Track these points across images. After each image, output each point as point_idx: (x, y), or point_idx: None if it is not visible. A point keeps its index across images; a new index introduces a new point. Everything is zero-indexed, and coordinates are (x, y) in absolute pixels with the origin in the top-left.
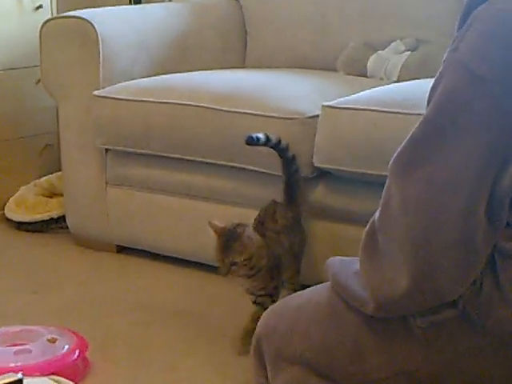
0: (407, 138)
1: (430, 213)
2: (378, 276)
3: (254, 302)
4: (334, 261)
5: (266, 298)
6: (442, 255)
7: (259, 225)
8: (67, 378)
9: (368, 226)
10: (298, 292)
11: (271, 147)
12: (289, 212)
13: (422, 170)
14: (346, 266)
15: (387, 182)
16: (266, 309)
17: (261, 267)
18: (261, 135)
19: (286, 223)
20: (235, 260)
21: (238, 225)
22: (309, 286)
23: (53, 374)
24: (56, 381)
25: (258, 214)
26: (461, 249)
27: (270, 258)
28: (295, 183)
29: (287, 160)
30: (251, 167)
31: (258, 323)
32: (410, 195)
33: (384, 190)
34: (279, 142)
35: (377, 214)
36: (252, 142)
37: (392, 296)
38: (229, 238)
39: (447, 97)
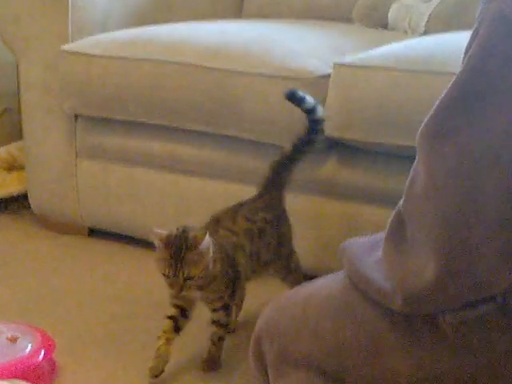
0: (436, 103)
1: (466, 191)
2: (405, 267)
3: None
4: (351, 245)
5: (221, 311)
6: (482, 241)
7: (213, 222)
8: (31, 383)
9: (393, 213)
10: (305, 283)
11: (305, 111)
12: (261, 212)
13: (453, 141)
14: (365, 252)
15: (416, 158)
16: (223, 325)
17: (216, 274)
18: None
19: (250, 227)
20: (191, 274)
21: (185, 228)
22: (316, 277)
23: (14, 377)
24: None
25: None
26: (505, 233)
27: (223, 261)
28: (294, 161)
29: (313, 130)
30: (246, 136)
31: (259, 319)
32: (440, 171)
33: (412, 169)
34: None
35: (403, 196)
36: (293, 98)
37: (421, 289)
38: (180, 247)
39: (484, 52)
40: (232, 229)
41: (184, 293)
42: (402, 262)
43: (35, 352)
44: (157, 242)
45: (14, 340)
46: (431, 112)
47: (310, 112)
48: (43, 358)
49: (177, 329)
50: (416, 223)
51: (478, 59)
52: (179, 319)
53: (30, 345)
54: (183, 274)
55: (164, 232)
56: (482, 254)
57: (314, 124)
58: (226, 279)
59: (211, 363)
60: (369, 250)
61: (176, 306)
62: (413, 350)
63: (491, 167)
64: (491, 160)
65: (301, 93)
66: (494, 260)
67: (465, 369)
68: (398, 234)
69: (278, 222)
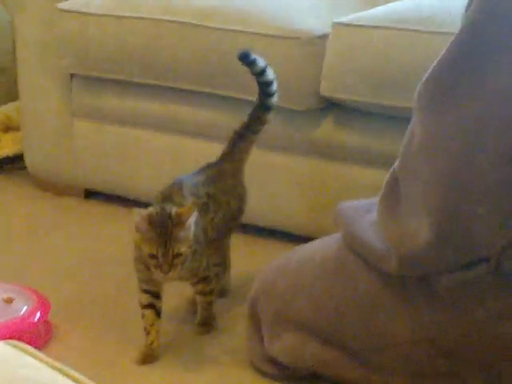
0: (434, 62)
1: (463, 150)
2: (400, 229)
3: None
4: (346, 207)
5: (201, 283)
6: (478, 200)
7: (164, 198)
8: (26, 344)
9: (388, 175)
10: (302, 245)
11: (255, 74)
12: (202, 187)
13: (452, 100)
14: (360, 214)
15: (412, 119)
16: (208, 293)
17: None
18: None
19: (196, 201)
20: (181, 251)
21: (164, 205)
22: (312, 238)
23: (9, 338)
24: (14, 346)
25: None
26: (501, 192)
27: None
28: (250, 130)
29: (266, 94)
30: (242, 96)
31: (255, 280)
32: (438, 131)
33: (408, 129)
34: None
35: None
36: (245, 59)
37: (416, 251)
38: (166, 224)
39: (485, 11)
40: (183, 204)
41: (171, 273)
42: (397, 223)
43: (31, 313)
44: (140, 222)
45: (9, 301)
46: (429, 71)
47: (259, 74)
48: (39, 320)
49: (158, 314)
50: (412, 184)
51: (478, 18)
52: (156, 304)
53: (25, 306)
54: (173, 251)
55: (144, 211)
56: (478, 215)
57: (265, 87)
58: (195, 254)
59: (205, 326)
60: (363, 213)
61: (148, 292)
62: (407, 310)
63: (488, 125)
64: (488, 118)
65: (253, 55)
66: (490, 221)
67: (458, 329)
68: (393, 195)
69: (226, 195)
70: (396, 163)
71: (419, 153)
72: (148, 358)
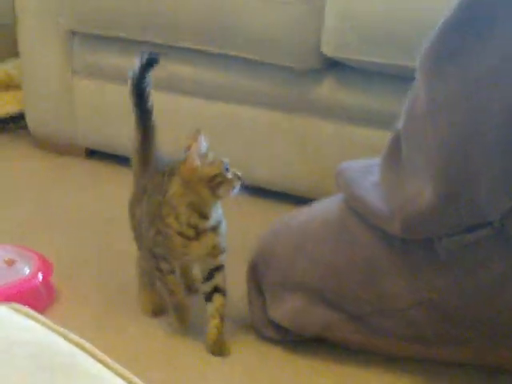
0: (439, 24)
1: (466, 113)
2: (403, 190)
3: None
4: (347, 169)
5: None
6: (483, 162)
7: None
8: (28, 307)
9: (392, 135)
10: (302, 208)
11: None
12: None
13: (456, 62)
14: (361, 174)
15: (415, 81)
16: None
17: None
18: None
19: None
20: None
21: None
22: (312, 200)
23: (11, 300)
24: (15, 309)
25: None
26: (505, 158)
27: None
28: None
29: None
30: (243, 55)
31: (255, 244)
32: (442, 92)
33: (410, 90)
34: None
35: (402, 118)
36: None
37: (419, 213)
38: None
39: None
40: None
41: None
42: (400, 184)
43: (33, 275)
44: (199, 144)
45: (11, 263)
46: (434, 33)
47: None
48: (41, 281)
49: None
50: (415, 147)
51: None
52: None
53: (27, 268)
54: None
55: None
56: (482, 178)
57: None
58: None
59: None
60: (365, 174)
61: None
62: (408, 272)
63: (492, 89)
64: (493, 82)
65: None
66: (496, 181)
67: (460, 292)
68: (395, 156)
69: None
70: (399, 124)
71: (423, 116)
72: (183, 320)
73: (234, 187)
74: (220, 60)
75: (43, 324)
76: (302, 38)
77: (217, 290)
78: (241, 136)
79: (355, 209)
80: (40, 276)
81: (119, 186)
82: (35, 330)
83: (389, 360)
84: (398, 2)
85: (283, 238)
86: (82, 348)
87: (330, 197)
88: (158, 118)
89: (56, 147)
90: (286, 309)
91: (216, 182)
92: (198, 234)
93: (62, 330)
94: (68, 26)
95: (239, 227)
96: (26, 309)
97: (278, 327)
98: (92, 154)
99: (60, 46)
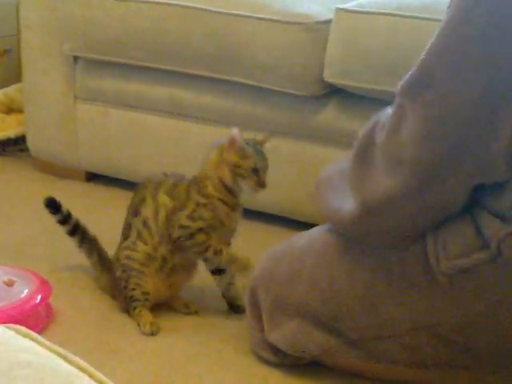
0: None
1: (448, 141)
2: (366, 182)
3: None
4: (321, 183)
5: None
6: (455, 183)
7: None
8: (27, 327)
9: (364, 137)
10: (302, 232)
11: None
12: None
13: (436, 91)
14: (332, 187)
15: (396, 101)
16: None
17: None
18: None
19: None
20: None
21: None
22: (313, 224)
23: (10, 322)
24: (14, 330)
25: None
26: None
27: None
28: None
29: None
30: (247, 82)
31: (256, 267)
32: (427, 119)
33: (393, 111)
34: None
35: (379, 131)
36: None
37: (385, 194)
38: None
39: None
40: None
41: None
42: (365, 177)
43: (32, 296)
44: (239, 138)
45: (10, 284)
46: (418, 61)
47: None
48: (39, 303)
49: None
50: (393, 160)
51: (463, 7)
52: None
53: (26, 289)
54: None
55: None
56: (452, 189)
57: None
58: None
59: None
60: (336, 183)
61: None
62: (407, 298)
63: (470, 120)
64: (470, 114)
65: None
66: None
67: (458, 317)
68: (367, 155)
69: None
70: (373, 125)
71: (410, 138)
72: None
73: (251, 188)
74: (223, 86)
75: (43, 345)
76: (304, 65)
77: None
78: None
79: (328, 220)
80: (39, 297)
81: (119, 209)
82: (35, 352)
83: None
84: (400, 31)
85: (283, 261)
86: (82, 369)
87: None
88: (160, 141)
89: (56, 170)
90: (285, 332)
91: (238, 172)
92: (234, 205)
93: (62, 351)
94: (71, 52)
95: (239, 251)
96: (26, 330)
97: (276, 350)
98: (92, 177)
99: (63, 71)
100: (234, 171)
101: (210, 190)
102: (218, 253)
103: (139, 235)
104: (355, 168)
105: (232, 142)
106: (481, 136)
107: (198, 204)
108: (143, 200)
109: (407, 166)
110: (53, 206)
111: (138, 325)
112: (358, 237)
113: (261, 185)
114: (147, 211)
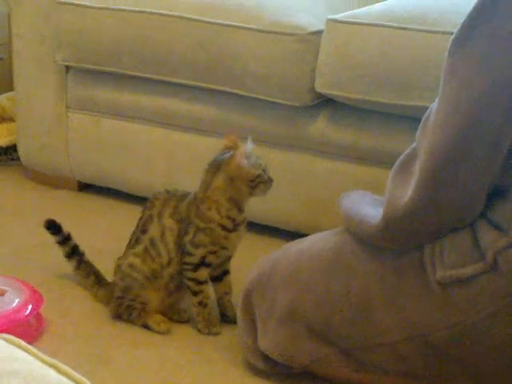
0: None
1: (462, 126)
2: (391, 193)
3: None
4: (350, 195)
5: None
6: (469, 176)
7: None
8: (18, 337)
9: (404, 155)
10: (300, 238)
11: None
12: None
13: (459, 76)
14: (364, 201)
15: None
16: None
17: None
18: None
19: None
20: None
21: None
22: (305, 235)
23: (1, 332)
24: (6, 340)
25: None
26: (489, 172)
27: None
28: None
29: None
30: (237, 92)
31: (251, 272)
32: (445, 106)
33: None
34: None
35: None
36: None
37: (402, 208)
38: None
39: None
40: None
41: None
42: (392, 189)
43: (22, 306)
44: (245, 152)
45: (1, 293)
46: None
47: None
48: (30, 313)
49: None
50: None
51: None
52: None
53: (17, 299)
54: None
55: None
56: (467, 187)
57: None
58: None
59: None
60: (368, 201)
61: (209, 265)
62: (402, 305)
63: (488, 107)
64: (489, 99)
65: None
66: (477, 193)
67: (453, 328)
68: (404, 170)
69: None
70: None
71: (431, 127)
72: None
73: (268, 188)
74: (214, 96)
75: (34, 355)
76: (296, 75)
77: (225, 272)
78: None
79: (350, 228)
80: (30, 307)
81: (111, 219)
82: (26, 361)
83: None
84: (392, 42)
85: (279, 265)
86: (73, 379)
87: (327, 231)
88: (152, 151)
89: (48, 180)
90: (276, 340)
91: (256, 182)
92: (235, 225)
93: (52, 361)
94: (63, 61)
95: (233, 262)
96: (17, 339)
97: (267, 358)
98: (84, 187)
99: (54, 80)
100: (251, 185)
101: (212, 214)
102: (197, 291)
103: (146, 251)
104: (392, 176)
105: (239, 166)
106: (494, 121)
107: (197, 229)
108: (151, 218)
109: (425, 155)
110: (53, 227)
111: (147, 327)
112: (385, 246)
113: (271, 180)
114: (154, 231)
